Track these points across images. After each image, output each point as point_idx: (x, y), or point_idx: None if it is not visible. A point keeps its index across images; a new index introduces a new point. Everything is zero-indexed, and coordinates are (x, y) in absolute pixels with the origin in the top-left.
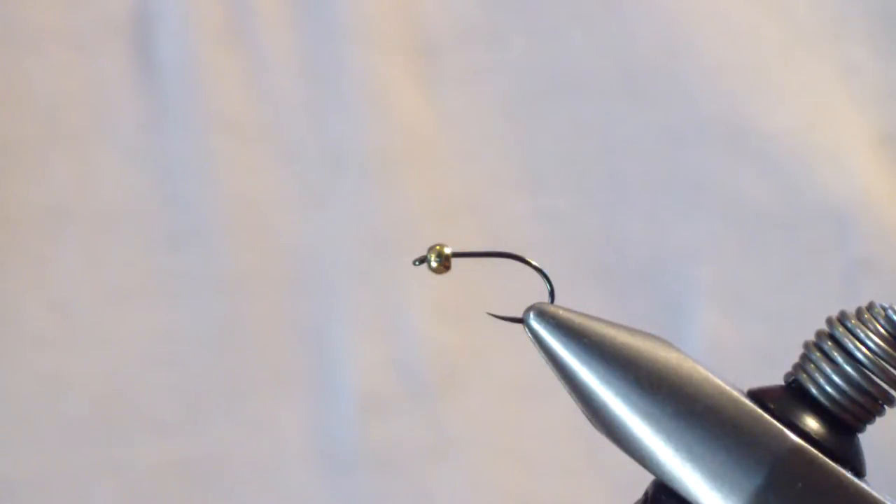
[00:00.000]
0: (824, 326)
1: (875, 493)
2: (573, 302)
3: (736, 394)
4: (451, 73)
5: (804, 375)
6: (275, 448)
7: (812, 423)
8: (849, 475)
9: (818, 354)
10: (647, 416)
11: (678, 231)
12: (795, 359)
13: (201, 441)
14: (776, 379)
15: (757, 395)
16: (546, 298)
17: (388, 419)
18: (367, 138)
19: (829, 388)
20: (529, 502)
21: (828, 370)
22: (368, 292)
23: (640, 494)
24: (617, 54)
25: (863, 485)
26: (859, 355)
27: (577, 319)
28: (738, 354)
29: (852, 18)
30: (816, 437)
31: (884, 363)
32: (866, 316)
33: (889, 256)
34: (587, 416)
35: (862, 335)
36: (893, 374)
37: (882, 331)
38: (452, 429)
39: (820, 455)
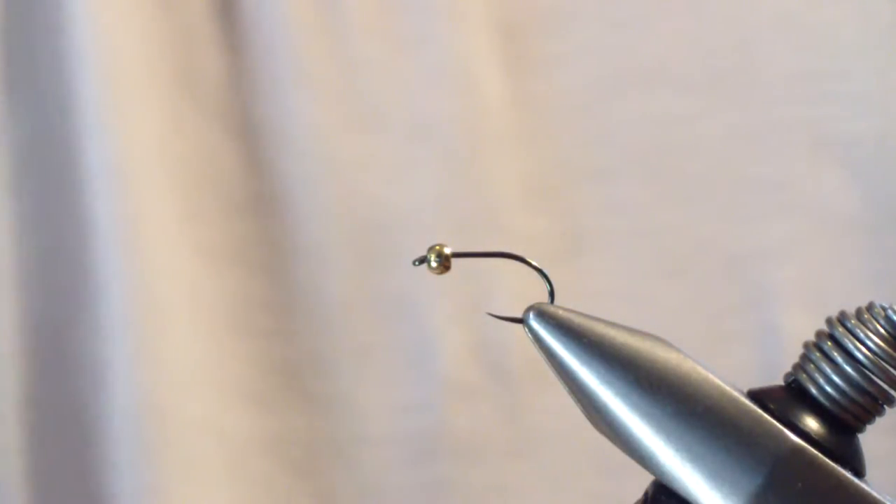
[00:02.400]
0: (824, 326)
1: (875, 493)
2: (648, 297)
3: (736, 394)
4: (534, 57)
5: (804, 375)
6: (354, 427)
7: (812, 423)
8: (849, 475)
9: (818, 354)
10: (647, 416)
11: (757, 231)
12: None
13: (278, 414)
14: None
15: (757, 395)
16: (546, 298)
17: (470, 407)
18: (451, 114)
19: (828, 389)
20: (604, 499)
21: (828, 370)
22: (456, 269)
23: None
24: (700, 50)
25: (863, 485)
26: (859, 355)
27: (577, 319)
28: None
29: None
30: (816, 437)
31: (884, 363)
32: (866, 316)
33: None
34: (587, 416)
35: (862, 335)
36: (893, 374)
37: (882, 331)
38: (534, 421)
39: (820, 455)
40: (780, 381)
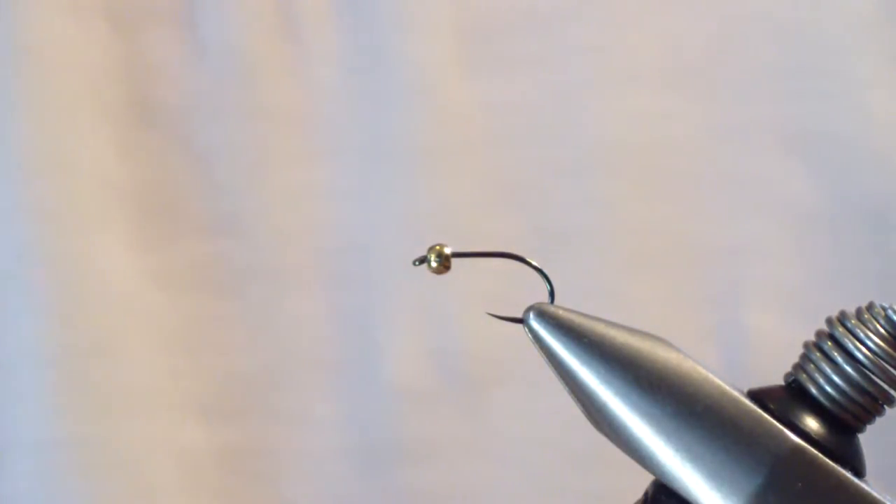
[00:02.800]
0: (824, 326)
1: (875, 494)
2: (619, 294)
3: (736, 394)
4: (498, 61)
5: (804, 375)
6: (313, 440)
7: (812, 423)
8: (849, 475)
9: (818, 354)
10: (647, 416)
11: (726, 228)
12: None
13: (239, 428)
14: None
15: (757, 396)
16: (546, 298)
17: (427, 412)
18: (413, 127)
19: (829, 388)
20: (571, 497)
21: (828, 370)
22: (410, 284)
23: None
24: (669, 48)
25: (863, 485)
26: (859, 355)
27: (577, 319)
28: (782, 353)
29: None
30: (816, 437)
31: (884, 363)
32: (866, 316)
33: None
34: (587, 416)
35: (862, 335)
36: (893, 374)
37: (882, 331)
38: (493, 422)
39: (820, 455)
40: (746, 381)
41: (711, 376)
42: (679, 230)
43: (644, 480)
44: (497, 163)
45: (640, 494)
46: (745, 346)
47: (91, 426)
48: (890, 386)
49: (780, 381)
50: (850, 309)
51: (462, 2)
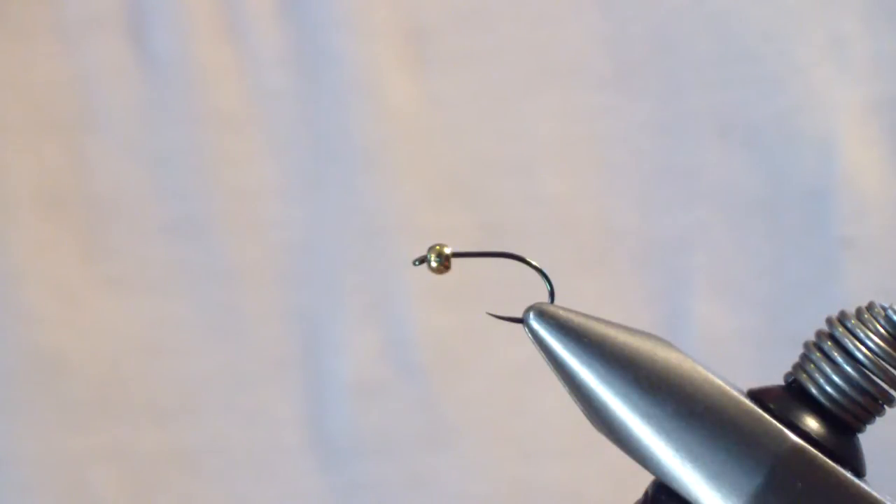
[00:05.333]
0: (824, 326)
1: (875, 494)
2: (566, 288)
3: (736, 394)
4: (442, 59)
5: (804, 375)
6: (269, 436)
7: (812, 423)
8: (849, 475)
9: (818, 354)
10: (647, 416)
11: (668, 220)
12: (785, 343)
13: (195, 429)
14: (768, 363)
15: (757, 395)
16: (546, 298)
17: (382, 406)
18: (359, 126)
19: (829, 388)
20: (527, 488)
21: (828, 370)
22: (361, 279)
23: (640, 483)
24: (607, 44)
25: (863, 485)
26: (859, 355)
27: (577, 319)
28: (729, 339)
29: None
30: (816, 437)
31: (884, 363)
32: (866, 316)
33: (872, 234)
34: (587, 416)
35: (862, 335)
36: (893, 374)
37: (882, 331)
38: (448, 415)
39: (820, 455)
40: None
41: (711, 376)
42: (623, 224)
43: (644, 480)
44: (442, 160)
45: (639, 494)
46: (690, 336)
47: (37, 441)
48: (890, 386)
49: (734, 371)
50: (850, 309)
51: (402, 2)
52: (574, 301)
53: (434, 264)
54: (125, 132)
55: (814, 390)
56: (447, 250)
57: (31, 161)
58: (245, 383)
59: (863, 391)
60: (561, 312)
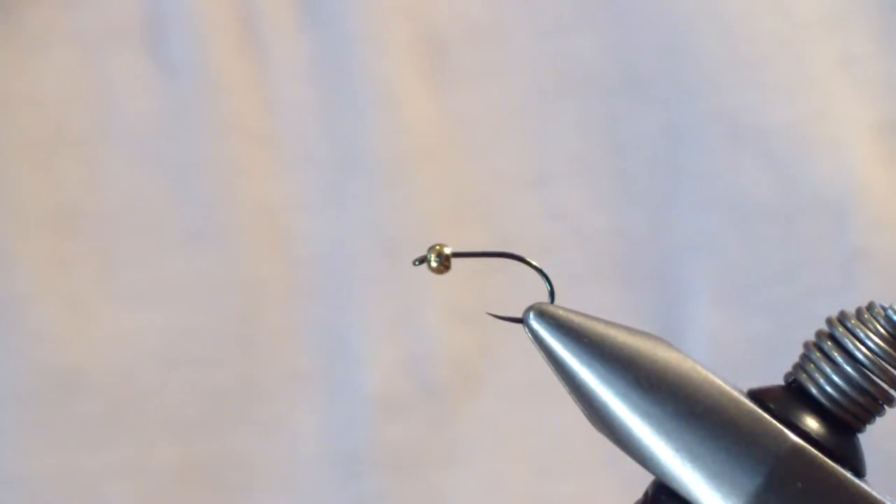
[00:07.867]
0: (824, 326)
1: (875, 493)
2: (583, 300)
3: (736, 394)
4: (460, 73)
5: (804, 375)
6: (289, 450)
7: (812, 423)
8: (849, 475)
9: (818, 354)
10: (647, 416)
11: (681, 227)
12: (795, 352)
13: (216, 443)
14: (778, 371)
15: (757, 395)
16: (546, 298)
17: (402, 421)
18: (379, 140)
19: (829, 388)
20: None
21: (828, 370)
22: (382, 294)
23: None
24: (620, 53)
25: (863, 485)
26: (859, 355)
27: (577, 319)
28: (740, 348)
29: (851, 8)
30: (816, 437)
31: (884, 363)
32: (866, 316)
33: (886, 246)
34: (587, 416)
35: (862, 335)
36: (893, 374)
37: (882, 331)
38: (466, 431)
39: (820, 455)
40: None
41: (712, 376)
42: (638, 232)
43: (644, 480)
44: (462, 173)
45: (638, 495)
46: (706, 344)
47: (54, 457)
48: (890, 386)
49: (744, 379)
50: (850, 308)
51: (424, 15)
52: (590, 311)
53: (434, 264)
54: (143, 144)
55: (814, 390)
56: (447, 250)
57: (48, 173)
58: (264, 397)
59: (863, 391)
60: (561, 312)
